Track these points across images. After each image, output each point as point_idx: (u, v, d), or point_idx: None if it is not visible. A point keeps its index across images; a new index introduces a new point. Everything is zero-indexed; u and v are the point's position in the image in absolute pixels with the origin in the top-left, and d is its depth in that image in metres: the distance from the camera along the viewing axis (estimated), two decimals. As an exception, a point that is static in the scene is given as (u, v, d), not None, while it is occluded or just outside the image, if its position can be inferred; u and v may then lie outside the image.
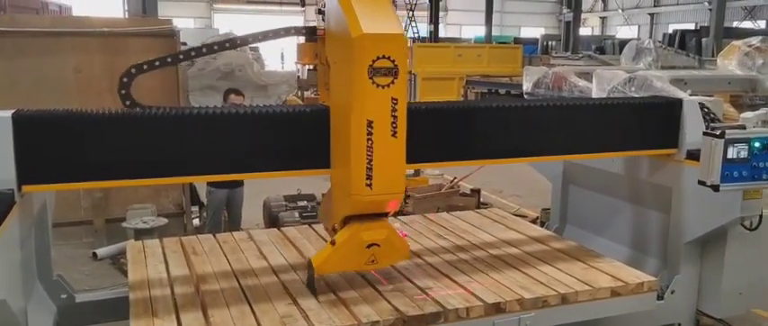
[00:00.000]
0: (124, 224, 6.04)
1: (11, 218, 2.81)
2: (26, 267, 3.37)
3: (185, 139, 3.09)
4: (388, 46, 2.80)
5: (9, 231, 2.81)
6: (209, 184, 6.15)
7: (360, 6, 2.81)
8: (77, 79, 6.32)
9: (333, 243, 3.13)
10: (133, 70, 3.15)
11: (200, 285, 3.45)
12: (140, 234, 5.71)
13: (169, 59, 3.23)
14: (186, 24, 30.25)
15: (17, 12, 11.10)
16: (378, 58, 2.78)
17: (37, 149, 2.89)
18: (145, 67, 3.19)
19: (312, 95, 18.96)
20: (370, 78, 2.79)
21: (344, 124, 2.94)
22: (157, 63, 3.21)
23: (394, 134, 2.89)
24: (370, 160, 2.87)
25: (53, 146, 2.91)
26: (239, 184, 6.15)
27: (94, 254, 6.17)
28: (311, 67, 3.41)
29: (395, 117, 2.87)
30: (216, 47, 3.36)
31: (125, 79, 3.14)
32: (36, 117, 2.90)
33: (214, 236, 4.38)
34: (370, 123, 2.83)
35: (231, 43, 3.37)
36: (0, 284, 2.76)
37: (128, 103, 3.16)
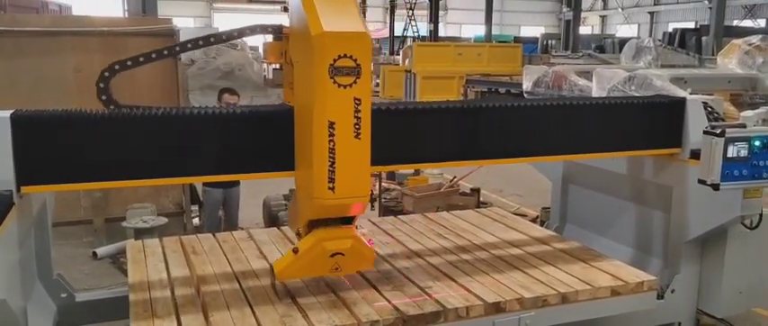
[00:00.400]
0: (124, 224, 6.04)
1: (10, 218, 2.81)
2: (26, 267, 3.37)
3: (186, 139, 3.09)
4: (349, 45, 2.70)
5: (8, 232, 2.81)
6: (205, 184, 6.14)
7: (321, 4, 2.73)
8: (77, 79, 6.31)
9: (295, 251, 3.04)
10: (106, 74, 3.12)
11: (200, 285, 3.44)
12: (140, 234, 5.71)
13: (141, 59, 3.19)
14: (186, 24, 30.26)
15: (17, 11, 11.10)
16: (339, 56, 2.68)
17: (36, 150, 2.89)
18: (117, 67, 3.13)
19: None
20: (331, 78, 2.69)
21: (307, 125, 2.85)
22: (129, 63, 3.17)
23: (357, 136, 2.78)
24: (333, 163, 2.77)
25: (52, 146, 2.91)
26: (235, 183, 6.14)
27: (94, 253, 6.17)
28: (277, 66, 3.35)
29: (358, 118, 2.77)
30: (189, 45, 3.29)
31: (101, 84, 3.10)
32: (35, 117, 2.90)
33: (214, 235, 4.38)
34: (331, 125, 2.73)
35: (204, 41, 3.31)
36: (0, 283, 2.76)
37: (104, 97, 3.12)
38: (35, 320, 3.29)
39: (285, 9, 3.12)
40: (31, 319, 3.22)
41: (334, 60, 2.68)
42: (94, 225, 6.53)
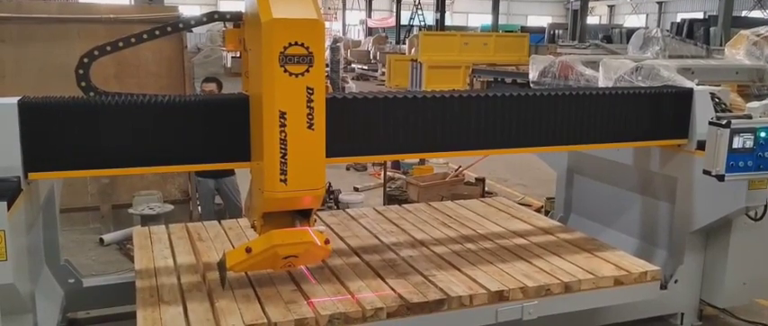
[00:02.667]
0: (131, 210, 6.07)
1: (17, 205, 2.84)
2: (34, 253, 3.40)
3: (192, 127, 3.10)
4: (301, 32, 2.61)
5: (16, 218, 2.84)
6: (197, 173, 6.15)
7: None
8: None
9: (248, 250, 2.94)
10: (86, 59, 3.10)
11: (206, 272, 3.47)
12: (147, 220, 5.73)
13: (120, 44, 3.17)
14: (192, 11, 30.22)
15: (24, -2, 11.11)
16: (290, 44, 2.59)
17: (43, 137, 2.91)
18: (96, 53, 3.10)
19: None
20: (282, 66, 2.60)
21: (259, 115, 2.77)
22: (109, 48, 3.14)
23: (310, 126, 2.70)
24: (284, 154, 2.68)
25: (59, 133, 2.93)
26: (229, 172, 6.13)
27: (101, 240, 6.21)
28: (236, 54, 3.30)
29: (311, 108, 2.68)
30: (157, 32, 3.23)
31: (81, 71, 3.08)
32: (42, 104, 2.92)
33: (219, 222, 4.40)
34: (282, 115, 2.64)
35: (161, 30, 3.22)
36: (8, 269, 2.79)
37: (91, 93, 3.08)
38: (43, 304, 3.33)
39: None
40: (38, 304, 3.26)
41: (285, 48, 2.60)
42: (101, 212, 6.56)
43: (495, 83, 16.24)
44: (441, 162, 9.09)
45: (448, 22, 30.65)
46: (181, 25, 3.44)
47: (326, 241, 3.01)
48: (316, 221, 3.13)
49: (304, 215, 3.01)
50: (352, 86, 18.88)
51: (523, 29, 30.25)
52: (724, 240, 4.18)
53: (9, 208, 2.71)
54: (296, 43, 2.61)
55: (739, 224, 4.12)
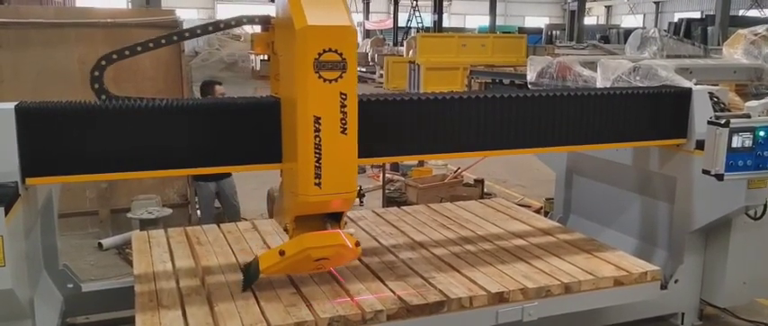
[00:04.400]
0: (129, 215, 6.06)
1: (16, 210, 2.83)
2: (32, 258, 3.39)
3: (191, 131, 3.10)
4: (335, 39, 2.67)
5: (14, 223, 2.83)
6: (196, 177, 6.15)
7: None
8: (81, 71, 6.30)
9: (282, 253, 3.01)
10: (103, 62, 3.12)
11: (205, 276, 3.46)
12: (145, 225, 5.72)
13: (139, 49, 3.20)
14: (190, 15, 30.24)
15: (21, 2, 11.10)
16: (324, 51, 2.64)
17: (40, 142, 2.90)
18: (114, 56, 3.15)
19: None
20: (316, 72, 2.65)
21: (292, 120, 2.81)
22: (127, 53, 3.17)
23: (344, 131, 2.75)
24: (319, 159, 2.73)
25: (57, 138, 2.92)
26: (227, 175, 6.14)
27: (100, 244, 6.20)
28: (265, 57, 3.32)
29: (344, 113, 2.73)
30: (175, 38, 3.29)
31: (96, 73, 3.11)
32: (39, 109, 2.91)
33: (218, 226, 4.40)
34: (317, 120, 2.70)
35: (179, 35, 3.29)
36: (7, 274, 2.78)
37: (103, 97, 3.12)
38: (42, 310, 3.32)
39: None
40: (37, 309, 3.24)
41: (319, 55, 2.64)
42: (100, 216, 6.55)
43: (493, 84, 16.26)
44: (439, 164, 9.09)
45: (445, 24, 30.70)
46: (199, 31, 3.45)
47: (357, 244, 3.08)
48: (346, 223, 3.17)
49: (335, 218, 3.06)
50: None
51: (521, 30, 30.28)
52: (724, 240, 4.18)
53: (7, 213, 2.70)
54: (330, 50, 2.66)
55: (739, 223, 4.11)
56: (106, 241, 6.24)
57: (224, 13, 36.65)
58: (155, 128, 3.04)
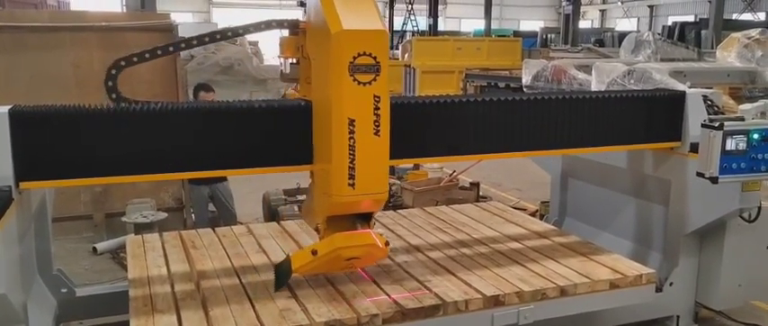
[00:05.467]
0: (124, 219, 6.03)
1: (9, 214, 2.82)
2: (26, 262, 3.37)
3: (185, 134, 3.09)
4: (369, 42, 2.72)
5: (8, 227, 2.82)
6: (190, 181, 6.13)
7: (340, 1, 2.74)
8: (76, 74, 6.30)
9: (314, 253, 3.07)
10: (123, 62, 3.13)
11: (200, 280, 3.45)
12: (140, 229, 5.71)
13: (159, 52, 3.20)
14: (185, 19, 30.19)
15: (15, 6, 11.07)
16: (359, 54, 2.70)
17: (35, 146, 2.89)
18: (135, 59, 3.15)
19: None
20: (351, 75, 2.70)
21: (326, 122, 2.87)
22: (147, 56, 3.18)
23: (377, 133, 2.80)
24: (353, 160, 2.78)
25: (51, 142, 2.91)
26: (221, 179, 6.12)
27: (94, 248, 6.18)
28: (294, 60, 3.34)
29: (377, 115, 2.79)
30: (194, 41, 3.29)
31: (114, 71, 3.11)
32: (34, 113, 2.90)
33: (213, 230, 4.38)
34: (351, 122, 2.75)
35: (210, 37, 3.30)
36: (0, 279, 2.76)
37: (114, 96, 3.12)
38: (35, 314, 3.30)
39: (302, 3, 3.13)
40: (31, 314, 3.23)
41: (354, 58, 2.70)
42: (94, 220, 6.53)
43: (488, 87, 16.27)
44: (435, 167, 9.09)
45: (441, 27, 30.72)
46: (236, 31, 3.45)
47: (386, 243, 3.13)
48: (375, 223, 3.22)
49: (364, 218, 3.10)
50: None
51: (516, 33, 30.33)
52: (718, 242, 4.19)
53: (0, 218, 2.69)
54: (364, 53, 2.71)
55: (733, 226, 4.13)
56: (100, 245, 6.21)
57: (219, 16, 36.58)
58: (150, 131, 3.03)
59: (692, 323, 4.45)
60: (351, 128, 2.76)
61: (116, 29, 6.33)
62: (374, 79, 2.75)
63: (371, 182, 2.87)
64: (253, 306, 3.11)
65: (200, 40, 3.30)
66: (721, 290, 4.24)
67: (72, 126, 2.93)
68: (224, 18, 33.40)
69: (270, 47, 23.01)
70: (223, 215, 6.32)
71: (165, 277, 3.54)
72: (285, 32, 3.30)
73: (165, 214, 6.14)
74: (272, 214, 6.67)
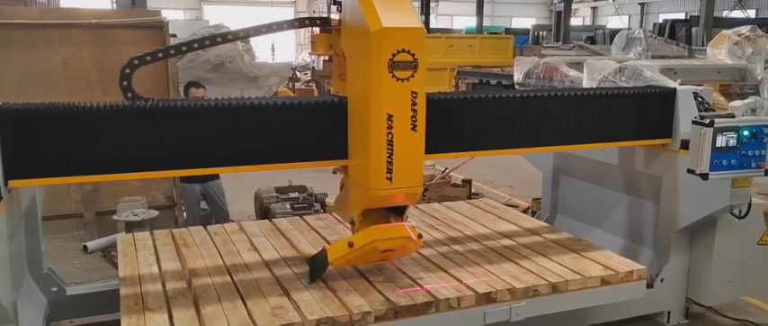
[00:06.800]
0: (115, 217, 6.00)
1: (-2, 212, 2.80)
2: (16, 261, 3.35)
3: (181, 132, 3.07)
4: (407, 40, 2.81)
5: (-3, 226, 2.80)
6: (182, 179, 6.11)
7: (378, 0, 2.82)
8: (66, 72, 6.26)
9: (350, 245, 3.14)
10: (136, 62, 3.12)
11: (192, 278, 3.44)
12: (131, 227, 5.68)
13: (184, 48, 3.23)
14: (176, 16, 30.04)
15: (4, 3, 10.96)
16: (398, 51, 2.79)
17: (24, 144, 2.87)
18: (160, 55, 3.18)
19: (303, 87, 18.91)
20: (390, 72, 2.80)
21: (363, 117, 2.96)
22: (172, 52, 3.21)
23: (414, 128, 2.90)
24: (391, 154, 2.88)
25: (40, 140, 2.88)
26: (213, 177, 6.10)
27: (85, 247, 6.14)
28: (326, 57, 3.39)
29: (414, 110, 2.88)
30: (218, 39, 3.32)
31: (127, 70, 3.11)
32: (23, 110, 2.88)
33: (205, 228, 4.37)
34: (390, 117, 2.85)
35: (234, 35, 3.32)
36: (-11, 278, 2.75)
37: (129, 94, 3.12)
38: (26, 314, 3.28)
39: (336, 2, 3.19)
40: (21, 313, 3.21)
41: (393, 55, 2.77)
42: (85, 218, 6.49)
43: (480, 84, 16.30)
44: (427, 164, 9.09)
45: (433, 25, 30.72)
46: (269, 28, 3.43)
47: (419, 236, 3.20)
48: (408, 217, 3.28)
49: (398, 212, 3.17)
50: (338, 90, 18.74)
51: (508, 31, 30.35)
52: (709, 239, 4.21)
53: None
54: (403, 50, 2.79)
55: (724, 223, 4.15)
56: (91, 244, 6.18)
57: (210, 14, 36.41)
58: (140, 129, 3.01)
59: (683, 319, 4.48)
60: (389, 123, 2.85)
61: (106, 26, 6.29)
62: (412, 76, 2.84)
63: (408, 176, 2.97)
64: (245, 304, 3.10)
65: (225, 37, 3.34)
66: (712, 286, 4.26)
67: (62, 124, 2.91)
68: (215, 15, 33.25)
69: (261, 44, 22.98)
70: (215, 213, 6.30)
71: (156, 276, 3.52)
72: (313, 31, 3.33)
73: (157, 212, 6.11)
74: (263, 212, 6.66)
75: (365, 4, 2.82)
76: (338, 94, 3.31)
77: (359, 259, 3.28)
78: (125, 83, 3.10)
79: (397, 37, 2.79)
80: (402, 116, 2.86)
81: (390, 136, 2.86)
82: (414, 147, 2.94)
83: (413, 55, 2.81)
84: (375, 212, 3.14)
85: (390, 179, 2.91)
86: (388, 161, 2.89)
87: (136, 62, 3.12)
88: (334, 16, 3.26)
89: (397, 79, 2.81)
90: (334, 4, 3.20)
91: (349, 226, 3.36)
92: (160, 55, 3.19)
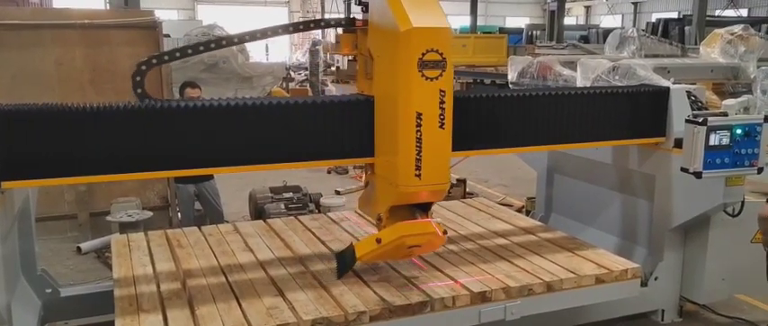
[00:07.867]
0: (109, 218, 5.97)
1: (-9, 213, 2.78)
2: (9, 263, 3.33)
3: (181, 132, 3.06)
4: (436, 39, 2.84)
5: (-10, 227, 2.78)
6: (176, 179, 6.09)
7: (407, 0, 2.85)
8: (58, 72, 6.23)
9: (378, 241, 3.19)
10: (154, 61, 3.13)
11: (186, 279, 3.43)
12: (125, 228, 5.65)
13: (201, 48, 3.24)
14: (169, 16, 29.95)
15: (-4, 4, 10.92)
16: (427, 51, 2.83)
17: (17, 145, 2.85)
18: (177, 54, 3.19)
19: (297, 87, 18.90)
20: (420, 71, 2.83)
21: (391, 116, 3.00)
22: (190, 51, 3.21)
23: (442, 125, 2.94)
24: (420, 152, 2.93)
25: (33, 141, 2.87)
26: (207, 178, 6.08)
27: (79, 248, 6.12)
28: (351, 57, 3.43)
29: (442, 109, 2.92)
30: (236, 39, 3.34)
31: (143, 67, 3.12)
32: (15, 111, 2.86)
33: (199, 228, 4.36)
34: (419, 116, 2.89)
35: (251, 35, 3.29)
36: (-18, 280, 2.73)
37: (139, 90, 3.13)
38: (20, 315, 3.27)
39: (361, 2, 3.22)
40: (15, 315, 3.19)
41: (423, 55, 2.81)
42: (79, 219, 6.46)
43: (474, 84, 16.33)
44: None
45: (427, 25, 30.62)
46: (285, 29, 3.46)
47: (445, 232, 3.24)
48: (433, 213, 3.32)
49: (423, 208, 3.20)
50: (333, 89, 18.78)
51: (502, 30, 30.40)
52: (702, 237, 4.23)
53: None
54: (432, 50, 2.83)
55: (717, 221, 4.17)
56: (85, 245, 6.15)
57: (204, 14, 36.31)
58: (135, 130, 3.00)
59: (677, 317, 4.49)
60: (418, 121, 2.89)
61: (99, 26, 6.26)
62: (440, 75, 2.88)
63: (436, 173, 3.02)
64: (239, 305, 3.10)
65: (241, 38, 3.34)
66: (705, 284, 4.28)
67: (55, 125, 2.89)
68: (209, 15, 33.17)
69: (255, 44, 22.92)
70: (209, 214, 6.27)
71: (150, 277, 3.51)
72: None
73: (151, 213, 6.08)
74: (258, 212, 6.64)
75: (394, 4, 2.86)
76: (364, 92, 3.34)
77: (386, 255, 3.32)
78: (139, 90, 3.13)
79: (427, 36, 2.83)
80: (431, 114, 2.91)
81: (419, 134, 2.91)
82: (441, 144, 2.99)
83: (441, 54, 2.86)
84: (401, 209, 3.19)
85: (419, 176, 2.96)
86: (417, 158, 2.94)
87: (143, 67, 3.12)
88: (358, 16, 3.30)
89: (426, 78, 2.86)
90: (359, 4, 3.24)
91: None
92: (177, 54, 3.17)
